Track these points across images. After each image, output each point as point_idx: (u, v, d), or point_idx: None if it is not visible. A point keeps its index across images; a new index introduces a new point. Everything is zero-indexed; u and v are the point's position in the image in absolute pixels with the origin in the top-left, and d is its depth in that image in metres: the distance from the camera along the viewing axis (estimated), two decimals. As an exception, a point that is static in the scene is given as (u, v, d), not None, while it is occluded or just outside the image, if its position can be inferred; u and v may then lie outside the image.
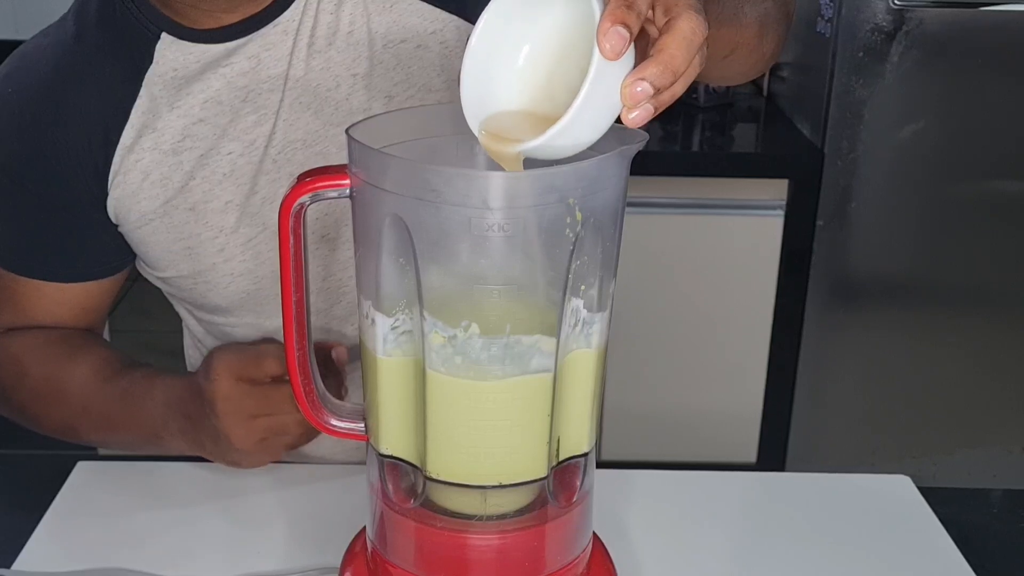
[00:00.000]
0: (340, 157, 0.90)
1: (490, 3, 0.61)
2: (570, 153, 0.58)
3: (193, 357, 1.07)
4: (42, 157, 0.88)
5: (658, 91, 0.56)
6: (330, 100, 0.89)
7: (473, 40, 0.61)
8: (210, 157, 0.88)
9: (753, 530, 0.90)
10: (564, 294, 0.61)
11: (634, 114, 0.56)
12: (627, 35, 0.54)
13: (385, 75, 0.89)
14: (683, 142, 2.24)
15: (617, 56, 0.54)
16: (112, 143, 0.88)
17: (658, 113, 0.57)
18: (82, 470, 0.95)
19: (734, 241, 2.03)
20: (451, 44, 0.90)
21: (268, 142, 0.89)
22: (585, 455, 0.67)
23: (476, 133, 0.61)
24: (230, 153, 0.88)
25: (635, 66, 0.56)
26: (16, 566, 0.82)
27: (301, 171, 0.89)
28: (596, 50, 0.54)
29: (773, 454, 2.15)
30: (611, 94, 0.56)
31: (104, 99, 0.87)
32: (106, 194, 0.89)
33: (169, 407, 0.87)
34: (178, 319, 1.04)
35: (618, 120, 0.57)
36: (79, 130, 0.87)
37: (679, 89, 0.58)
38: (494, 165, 0.63)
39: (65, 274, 0.93)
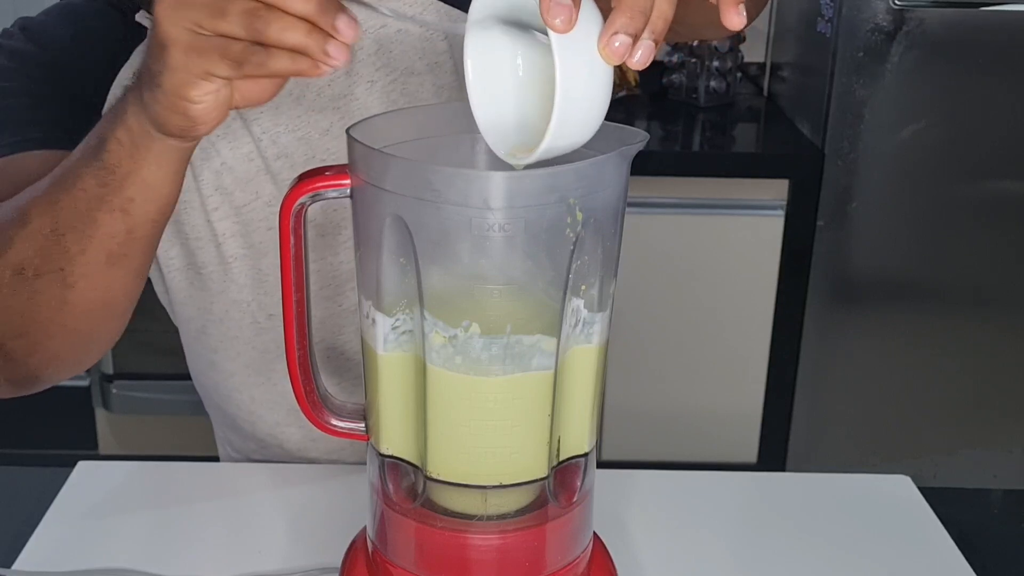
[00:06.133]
0: (323, 142, 0.92)
1: (465, 41, 0.61)
2: (591, 132, 0.58)
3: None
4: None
5: (635, 35, 0.55)
6: (312, 87, 0.90)
7: (470, 76, 0.62)
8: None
9: (753, 530, 0.90)
10: (565, 294, 0.61)
11: (636, 57, 0.55)
12: (568, 2, 0.53)
13: (366, 60, 0.90)
14: (683, 142, 2.24)
15: (569, 27, 0.54)
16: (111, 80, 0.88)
17: (662, 40, 0.57)
18: (82, 470, 0.95)
19: (734, 241, 2.03)
20: (431, 27, 0.91)
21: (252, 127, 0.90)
22: (585, 455, 0.67)
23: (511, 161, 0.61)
24: (217, 137, 0.89)
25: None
26: (16, 566, 0.82)
27: (284, 156, 0.91)
28: (551, 32, 0.54)
29: (773, 454, 2.15)
30: (592, 63, 0.55)
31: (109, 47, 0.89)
32: None
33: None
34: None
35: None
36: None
37: (667, 10, 0.56)
38: (494, 165, 0.63)
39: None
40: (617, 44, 0.55)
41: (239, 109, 0.65)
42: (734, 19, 0.58)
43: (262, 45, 0.58)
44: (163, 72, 0.61)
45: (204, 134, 0.65)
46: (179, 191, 0.73)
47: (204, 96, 0.61)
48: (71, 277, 0.74)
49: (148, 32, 0.63)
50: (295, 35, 0.57)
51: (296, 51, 0.57)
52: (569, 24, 0.53)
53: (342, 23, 0.58)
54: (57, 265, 0.73)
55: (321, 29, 0.57)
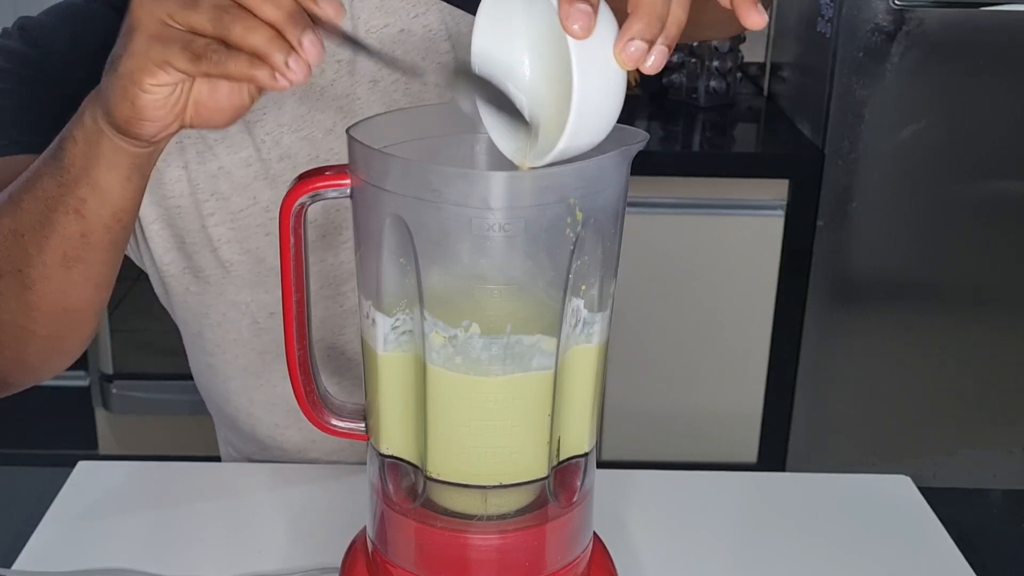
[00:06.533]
0: (326, 142, 0.92)
1: (473, 40, 0.61)
2: (603, 136, 0.58)
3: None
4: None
5: (651, 41, 0.55)
6: (315, 86, 0.90)
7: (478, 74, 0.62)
8: (196, 143, 0.89)
9: (753, 530, 0.90)
10: (565, 294, 0.61)
11: (650, 62, 0.56)
12: (589, 9, 0.53)
13: (369, 60, 0.90)
14: (683, 142, 2.24)
15: (587, 33, 0.54)
16: None
17: (674, 44, 0.57)
18: (82, 470, 0.95)
19: (734, 241, 2.03)
20: (434, 27, 0.91)
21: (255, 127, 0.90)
22: (585, 455, 0.67)
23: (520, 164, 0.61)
24: (215, 142, 0.89)
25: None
26: (16, 566, 0.82)
27: (287, 157, 0.91)
28: (569, 38, 0.54)
29: (773, 454, 2.15)
30: (607, 68, 0.55)
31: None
32: None
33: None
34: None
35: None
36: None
37: (680, 16, 0.57)
38: (495, 165, 0.63)
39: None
40: (633, 50, 0.55)
41: (193, 128, 0.65)
42: (755, 18, 0.57)
43: (226, 46, 0.58)
44: (123, 56, 0.61)
45: (149, 135, 0.65)
46: (136, 202, 0.72)
47: (156, 87, 0.61)
48: (29, 279, 0.74)
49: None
50: (258, 38, 0.57)
51: (256, 56, 0.57)
52: (588, 31, 0.54)
53: (308, 40, 0.57)
54: (16, 266, 0.73)
55: (286, 40, 0.57)
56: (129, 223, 0.73)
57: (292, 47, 0.57)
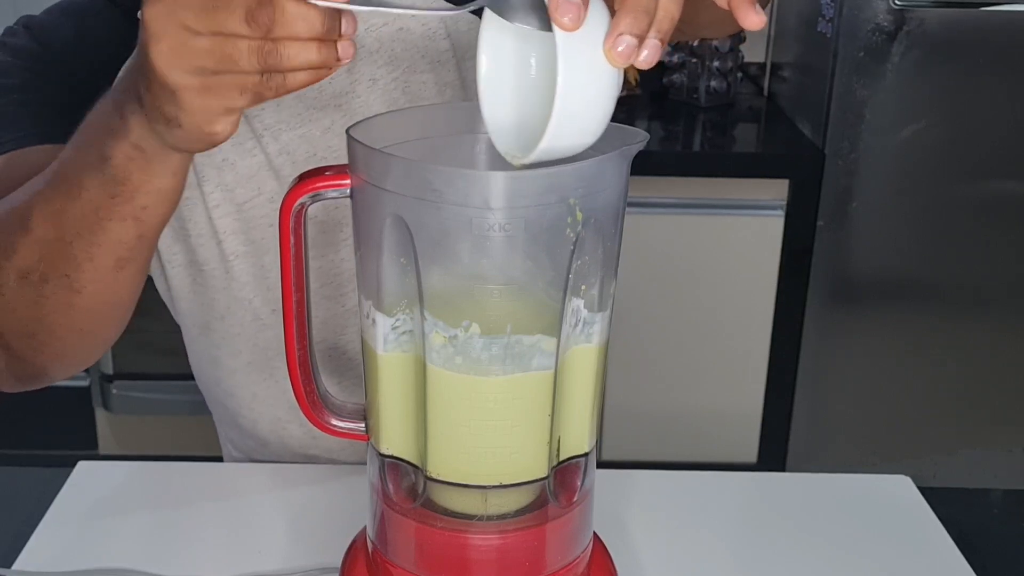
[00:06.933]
0: (324, 140, 0.92)
1: (479, 38, 0.61)
2: (594, 135, 0.58)
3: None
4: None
5: (640, 36, 0.55)
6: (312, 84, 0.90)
7: (481, 84, 0.61)
8: None
9: (753, 530, 0.90)
10: (565, 294, 0.61)
11: (642, 56, 0.55)
12: (577, 0, 0.53)
13: (367, 58, 0.90)
14: (683, 142, 2.24)
15: (576, 25, 0.53)
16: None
17: (668, 37, 0.56)
18: (82, 470, 0.95)
19: (734, 241, 2.03)
20: (433, 25, 0.91)
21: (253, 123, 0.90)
22: (585, 455, 0.67)
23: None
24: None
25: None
26: (16, 566, 0.82)
27: (286, 153, 0.91)
28: (556, 29, 0.53)
29: (773, 454, 2.15)
30: (597, 64, 0.55)
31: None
32: None
33: (114, 91, 0.70)
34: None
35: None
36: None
37: (673, 10, 0.56)
38: (495, 165, 0.63)
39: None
40: (622, 47, 0.55)
41: None
42: (753, 19, 0.57)
43: (276, 71, 0.58)
44: (180, 116, 0.61)
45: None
46: (184, 184, 0.73)
47: (228, 126, 0.62)
48: (78, 283, 0.74)
49: (137, 63, 0.62)
50: (309, 55, 0.57)
51: (311, 68, 0.58)
52: (577, 23, 0.53)
53: (345, 26, 0.58)
54: (63, 271, 0.73)
55: (324, 44, 0.58)
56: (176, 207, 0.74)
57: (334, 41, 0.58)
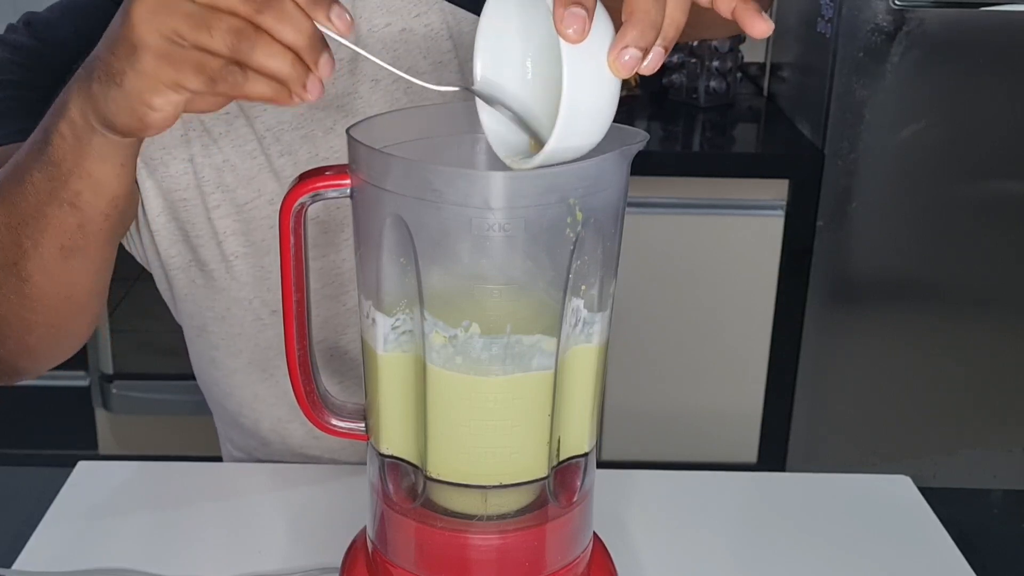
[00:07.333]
0: (326, 140, 0.92)
1: (476, 41, 0.61)
2: (594, 141, 0.58)
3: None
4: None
5: (645, 49, 0.55)
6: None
7: (478, 75, 0.62)
8: (201, 136, 0.90)
9: (753, 530, 0.90)
10: (565, 294, 0.61)
11: (646, 62, 0.55)
12: (583, 13, 0.53)
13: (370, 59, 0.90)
14: (683, 142, 2.24)
15: (582, 37, 0.53)
16: None
17: (672, 45, 0.56)
18: (82, 470, 0.95)
19: (734, 241, 2.03)
20: (435, 26, 0.91)
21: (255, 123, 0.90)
22: (585, 455, 0.67)
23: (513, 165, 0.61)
24: (220, 135, 0.89)
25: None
26: (16, 566, 0.82)
27: (287, 153, 0.91)
28: (562, 41, 0.54)
29: (773, 454, 2.15)
30: (600, 73, 0.55)
31: None
32: None
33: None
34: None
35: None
36: None
37: (678, 19, 0.56)
38: (495, 165, 0.63)
39: None
40: (627, 58, 0.55)
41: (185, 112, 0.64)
42: (760, 26, 0.57)
43: (240, 65, 0.57)
44: (127, 73, 0.59)
45: (150, 136, 0.64)
46: (130, 185, 0.72)
47: (166, 105, 0.59)
48: (25, 271, 0.74)
49: (111, 27, 0.61)
50: (280, 64, 0.56)
51: (275, 79, 0.57)
52: (582, 34, 0.53)
53: (323, 60, 0.58)
54: (12, 259, 0.74)
55: (305, 63, 0.57)
56: (125, 207, 0.73)
57: (310, 68, 0.57)
